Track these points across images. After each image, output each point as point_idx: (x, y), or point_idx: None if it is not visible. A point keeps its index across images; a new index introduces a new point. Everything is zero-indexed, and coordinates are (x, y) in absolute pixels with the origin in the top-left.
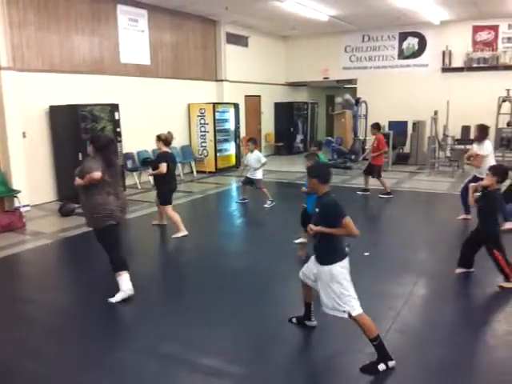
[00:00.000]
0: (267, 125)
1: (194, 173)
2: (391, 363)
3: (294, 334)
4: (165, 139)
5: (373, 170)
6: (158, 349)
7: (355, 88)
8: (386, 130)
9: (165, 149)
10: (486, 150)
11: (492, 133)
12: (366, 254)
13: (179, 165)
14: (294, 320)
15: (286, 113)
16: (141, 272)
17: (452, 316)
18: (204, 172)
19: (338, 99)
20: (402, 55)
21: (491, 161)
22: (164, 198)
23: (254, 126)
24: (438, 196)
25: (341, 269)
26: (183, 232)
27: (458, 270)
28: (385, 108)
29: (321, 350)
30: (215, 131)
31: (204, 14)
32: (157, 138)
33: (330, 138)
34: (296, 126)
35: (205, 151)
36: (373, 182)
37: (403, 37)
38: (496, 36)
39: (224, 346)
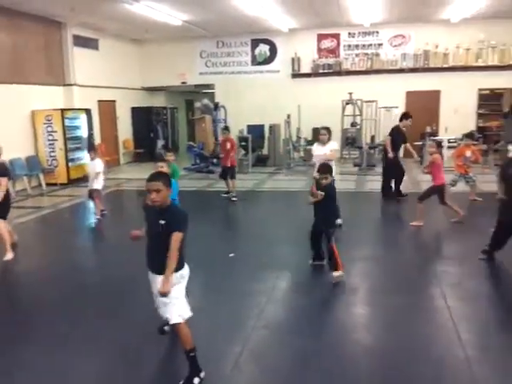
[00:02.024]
0: (125, 131)
1: (43, 185)
2: (202, 374)
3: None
4: None
5: (230, 171)
6: None
7: (213, 93)
8: (245, 133)
9: None
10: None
11: (338, 133)
12: (231, 255)
13: (25, 178)
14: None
15: (144, 118)
16: None
17: (310, 306)
18: (55, 184)
19: (197, 104)
20: (255, 61)
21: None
22: None
23: (109, 132)
24: (295, 194)
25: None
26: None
27: (312, 262)
28: (243, 112)
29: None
30: (65, 139)
31: (48, 14)
32: None
33: (191, 143)
34: (156, 131)
35: (54, 161)
36: (237, 184)
37: (255, 43)
38: (338, 44)
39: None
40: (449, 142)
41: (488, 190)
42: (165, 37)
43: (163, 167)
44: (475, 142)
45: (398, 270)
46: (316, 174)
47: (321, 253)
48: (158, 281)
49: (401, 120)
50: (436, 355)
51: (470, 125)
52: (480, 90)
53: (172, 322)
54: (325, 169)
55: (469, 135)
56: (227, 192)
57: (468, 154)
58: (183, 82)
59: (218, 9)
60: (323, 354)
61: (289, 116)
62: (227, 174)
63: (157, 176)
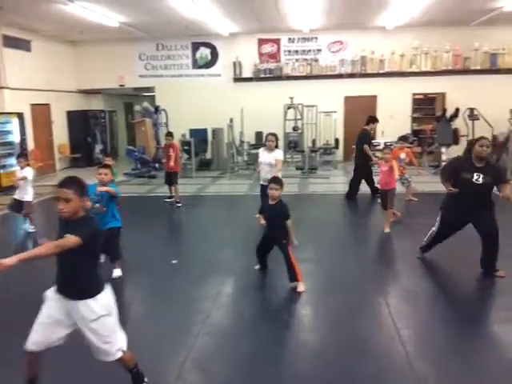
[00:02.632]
0: (60, 135)
1: None
2: (146, 379)
3: None
4: None
5: (174, 177)
6: None
7: (154, 96)
8: (188, 137)
9: None
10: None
11: (281, 137)
12: (174, 261)
13: None
14: None
15: (81, 122)
16: None
17: (255, 310)
18: None
19: (137, 107)
20: (196, 65)
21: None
22: None
23: (44, 137)
24: (240, 198)
25: (106, 298)
26: None
27: (257, 267)
28: (185, 116)
29: None
30: None
31: None
32: None
33: (131, 147)
34: (94, 135)
35: None
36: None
37: (196, 47)
38: (278, 49)
39: None
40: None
41: (423, 190)
42: (102, 38)
43: (107, 174)
44: (410, 145)
45: (340, 271)
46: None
47: (266, 261)
48: (74, 308)
49: (367, 123)
50: (377, 352)
51: (406, 128)
52: (414, 94)
53: (115, 359)
54: (276, 180)
55: (403, 138)
56: (170, 197)
57: (402, 156)
58: (121, 85)
59: (155, 11)
60: (269, 357)
61: (231, 120)
62: (171, 179)
63: (68, 182)
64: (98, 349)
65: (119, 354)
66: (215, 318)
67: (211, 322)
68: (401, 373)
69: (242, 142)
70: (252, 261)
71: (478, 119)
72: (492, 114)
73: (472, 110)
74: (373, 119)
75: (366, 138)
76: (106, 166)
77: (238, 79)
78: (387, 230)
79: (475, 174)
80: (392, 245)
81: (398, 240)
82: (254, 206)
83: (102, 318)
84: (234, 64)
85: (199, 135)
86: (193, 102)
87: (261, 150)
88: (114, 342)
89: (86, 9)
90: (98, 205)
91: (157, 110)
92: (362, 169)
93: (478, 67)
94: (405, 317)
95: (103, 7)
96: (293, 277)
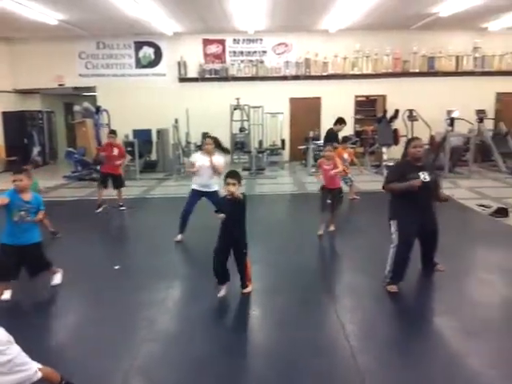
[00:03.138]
0: None
1: None
2: None
3: None
4: None
5: (118, 180)
6: None
7: (95, 96)
8: (131, 138)
9: None
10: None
11: (228, 138)
12: (117, 267)
13: None
14: None
15: (17, 123)
16: None
17: (202, 313)
18: None
19: (77, 107)
20: (139, 64)
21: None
22: None
23: None
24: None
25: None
26: None
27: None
28: (128, 116)
29: None
30: None
31: None
32: None
33: (71, 149)
34: (31, 137)
35: None
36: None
37: (139, 46)
38: (224, 49)
39: None
40: None
41: (365, 189)
42: (40, 36)
43: (23, 180)
44: (353, 145)
45: (287, 270)
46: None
47: (228, 273)
48: None
49: (335, 124)
50: (323, 348)
51: (348, 129)
52: (356, 96)
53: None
54: (234, 175)
55: (345, 138)
56: (99, 205)
57: (345, 156)
58: (60, 84)
59: (96, 9)
60: (217, 360)
61: (176, 120)
62: (117, 182)
63: None
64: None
65: (39, 375)
66: (161, 323)
67: (157, 327)
68: (345, 367)
69: (188, 142)
70: (198, 264)
71: (416, 120)
72: (430, 114)
73: (411, 111)
74: (341, 120)
75: (330, 137)
76: (22, 171)
77: (183, 79)
78: (332, 228)
79: (421, 173)
80: (337, 243)
81: (342, 238)
82: (201, 207)
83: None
84: (179, 64)
85: (143, 136)
86: (136, 102)
87: (198, 154)
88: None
89: (21, 5)
90: (23, 213)
91: (98, 110)
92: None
93: (417, 70)
94: (349, 312)
95: (40, 4)
96: (244, 284)
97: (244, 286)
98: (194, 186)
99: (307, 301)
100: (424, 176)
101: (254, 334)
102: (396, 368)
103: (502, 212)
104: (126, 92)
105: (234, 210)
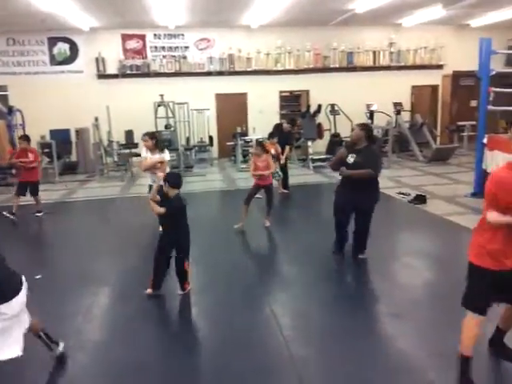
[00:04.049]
0: None
1: None
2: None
3: None
4: None
5: (34, 187)
6: None
7: (7, 95)
8: (48, 139)
9: None
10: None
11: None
12: (38, 276)
13: None
14: None
15: None
16: None
17: (131, 318)
18: None
19: None
20: (54, 61)
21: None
22: None
23: None
24: (112, 201)
25: None
26: None
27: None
28: (45, 116)
29: None
30: None
31: None
32: None
33: None
34: None
35: None
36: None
37: (53, 42)
38: (144, 45)
39: None
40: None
41: (293, 182)
42: None
43: None
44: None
45: (220, 268)
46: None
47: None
48: None
49: (288, 123)
50: (258, 342)
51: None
52: (281, 92)
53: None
54: (171, 178)
55: (272, 134)
56: (13, 213)
57: (273, 151)
58: None
59: (2, 3)
60: (149, 364)
61: (97, 119)
62: (27, 189)
63: None
64: None
65: None
66: (88, 331)
67: (83, 337)
68: (279, 358)
69: (110, 141)
70: (127, 267)
71: (338, 114)
72: (351, 108)
73: (333, 105)
74: (293, 121)
75: (274, 132)
76: None
77: (102, 76)
78: (267, 224)
79: (350, 156)
80: (268, 237)
81: (273, 232)
82: (127, 209)
83: None
84: (97, 60)
85: (61, 136)
86: (53, 100)
87: (144, 151)
88: None
89: None
90: None
91: (11, 110)
92: (285, 165)
93: (337, 65)
94: (283, 305)
95: None
96: (183, 287)
97: (182, 289)
98: (151, 182)
99: (241, 297)
100: (350, 158)
101: (189, 334)
102: (329, 355)
103: (420, 199)
104: (41, 90)
105: (172, 210)
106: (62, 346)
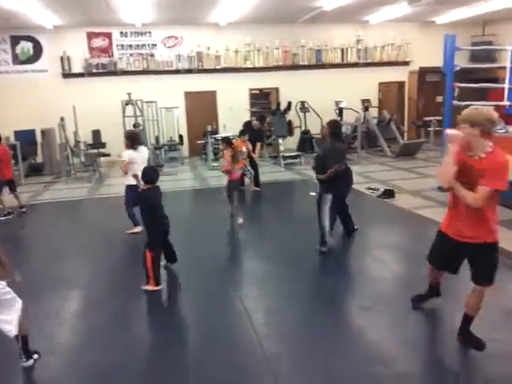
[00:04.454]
0: None
1: None
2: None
3: None
4: None
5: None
6: None
7: None
8: (12, 140)
9: None
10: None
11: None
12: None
13: None
14: None
15: None
16: None
17: (101, 322)
18: None
19: None
20: (17, 60)
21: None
22: None
23: None
24: (80, 202)
25: None
26: None
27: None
28: (8, 117)
29: None
30: None
31: None
32: None
33: None
34: None
35: None
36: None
37: (16, 41)
38: (110, 43)
39: None
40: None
41: (264, 180)
42: None
43: None
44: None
45: (191, 266)
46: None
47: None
48: None
49: (257, 120)
50: (231, 339)
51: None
52: (251, 89)
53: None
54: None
55: (242, 132)
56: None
57: (243, 149)
58: None
59: None
60: (119, 366)
61: (63, 119)
62: (9, 187)
63: None
64: None
65: None
66: (58, 336)
67: (54, 341)
68: (252, 355)
69: (77, 142)
70: (98, 269)
71: (308, 111)
72: (320, 105)
73: (303, 102)
74: (262, 118)
75: (245, 129)
76: None
77: (68, 75)
78: (240, 221)
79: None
80: (240, 234)
81: (245, 229)
82: (96, 210)
83: None
84: (62, 59)
85: (26, 137)
86: (17, 100)
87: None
88: None
89: None
90: None
91: None
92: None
93: (306, 63)
94: (255, 301)
95: None
96: (147, 279)
97: (147, 281)
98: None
99: (214, 295)
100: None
101: (160, 335)
102: (302, 351)
103: (388, 193)
104: (4, 90)
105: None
106: (34, 358)
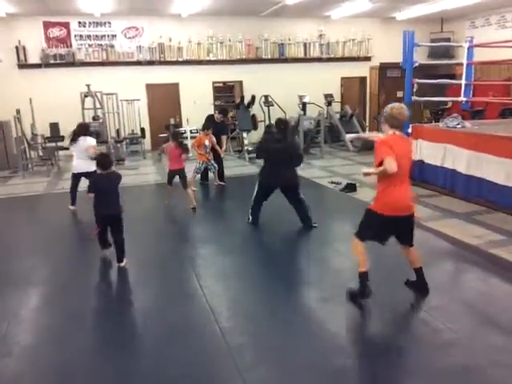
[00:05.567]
0: None
1: None
2: None
3: None
4: None
5: None
6: None
7: None
8: None
9: None
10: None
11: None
12: None
13: None
14: None
15: None
16: None
17: (63, 322)
18: None
19: None
20: None
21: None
22: None
23: None
24: (38, 197)
25: None
26: None
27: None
28: None
29: None
30: None
31: None
32: None
33: None
34: None
35: None
36: None
37: None
38: (68, 33)
39: None
40: (191, 133)
41: (229, 174)
42: None
43: None
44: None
45: (154, 261)
46: None
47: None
48: None
49: (220, 113)
50: (194, 335)
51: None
52: (214, 82)
53: None
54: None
55: (207, 126)
56: None
57: (207, 142)
58: None
59: None
60: (78, 366)
61: (18, 111)
62: None
63: None
64: None
65: None
66: (16, 336)
67: (10, 341)
68: (216, 349)
69: (34, 135)
70: (61, 266)
71: (272, 105)
72: (284, 99)
73: (266, 96)
74: (225, 111)
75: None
76: None
77: (24, 66)
78: (193, 204)
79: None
80: (203, 228)
81: (207, 223)
82: (54, 205)
83: None
84: (17, 49)
85: None
86: None
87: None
88: None
89: None
90: None
91: None
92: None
93: (269, 56)
94: (218, 296)
95: None
96: (120, 256)
97: (120, 259)
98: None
99: (176, 290)
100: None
101: (121, 331)
102: (265, 342)
103: (350, 187)
104: None
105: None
106: None
